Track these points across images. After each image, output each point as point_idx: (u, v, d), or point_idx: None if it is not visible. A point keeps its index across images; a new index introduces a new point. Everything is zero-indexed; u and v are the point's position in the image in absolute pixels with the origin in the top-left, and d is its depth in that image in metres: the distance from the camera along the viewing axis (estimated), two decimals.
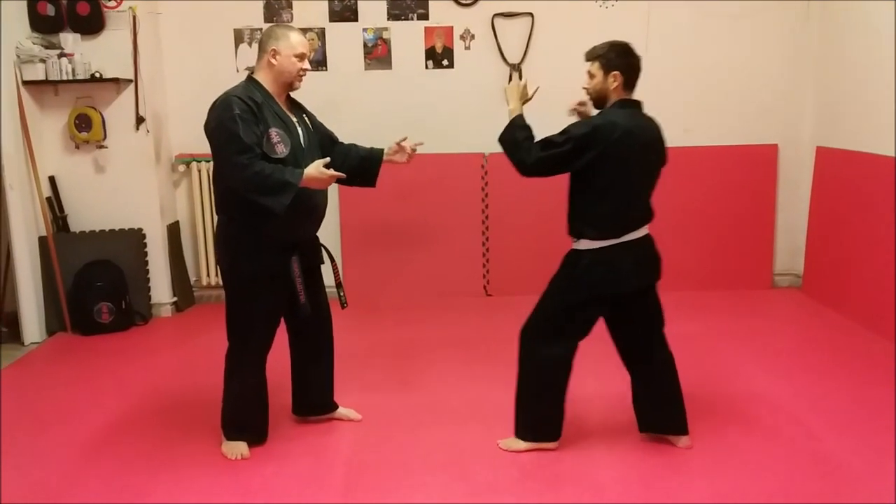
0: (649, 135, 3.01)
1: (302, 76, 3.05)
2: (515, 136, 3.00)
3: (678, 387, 3.16)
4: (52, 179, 4.97)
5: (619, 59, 2.97)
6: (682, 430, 3.16)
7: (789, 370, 3.96)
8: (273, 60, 2.99)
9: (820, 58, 5.27)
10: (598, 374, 3.73)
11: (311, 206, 3.03)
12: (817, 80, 5.31)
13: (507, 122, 3.04)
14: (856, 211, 4.81)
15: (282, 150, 2.93)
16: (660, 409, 3.17)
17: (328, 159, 2.95)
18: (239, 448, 3.17)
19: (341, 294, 3.36)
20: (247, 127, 2.84)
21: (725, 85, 5.38)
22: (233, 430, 3.21)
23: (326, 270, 3.32)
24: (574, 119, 3.15)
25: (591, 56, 3.01)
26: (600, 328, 3.11)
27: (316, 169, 2.89)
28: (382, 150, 3.35)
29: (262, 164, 2.83)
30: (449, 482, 2.94)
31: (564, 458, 3.10)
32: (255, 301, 3.06)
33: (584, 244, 2.98)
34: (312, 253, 3.23)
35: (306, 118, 3.19)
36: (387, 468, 3.06)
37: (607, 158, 2.87)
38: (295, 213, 2.90)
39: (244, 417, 3.21)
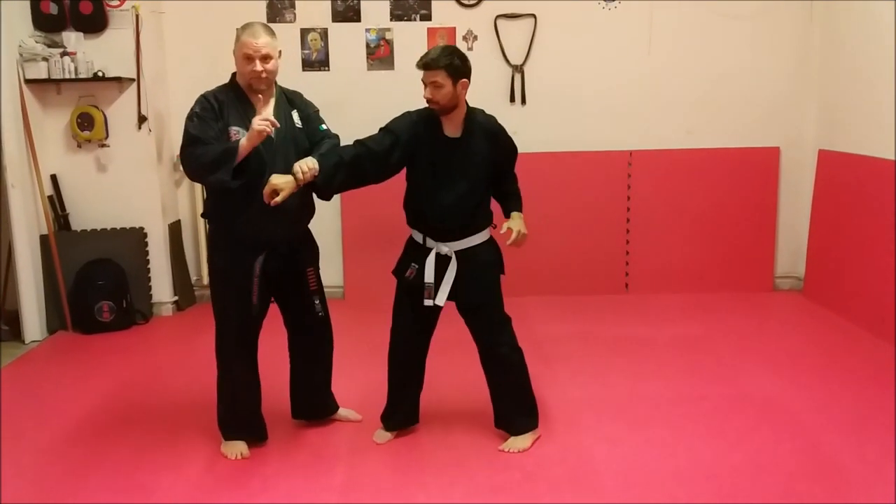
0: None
1: (259, 76, 2.94)
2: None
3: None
4: (53, 178, 4.97)
5: (464, 66, 2.98)
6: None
7: (790, 373, 3.96)
8: (235, 59, 3.01)
9: (822, 61, 5.27)
10: (597, 376, 3.74)
11: (278, 208, 2.91)
12: (820, 82, 5.31)
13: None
14: (857, 214, 4.80)
15: None
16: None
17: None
18: (238, 447, 3.17)
19: (317, 302, 3.31)
20: (202, 123, 2.93)
21: (728, 87, 5.38)
22: (228, 429, 3.22)
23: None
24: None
25: (435, 65, 2.93)
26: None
27: (254, 122, 2.83)
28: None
29: (202, 148, 2.89)
30: (449, 483, 2.94)
31: (567, 459, 3.10)
32: (226, 295, 3.13)
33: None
34: (290, 257, 3.19)
35: (296, 114, 3.13)
36: (386, 469, 3.06)
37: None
38: (260, 213, 2.93)
39: (237, 417, 3.21)
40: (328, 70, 5.31)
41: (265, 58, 2.94)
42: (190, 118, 2.95)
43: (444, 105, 2.97)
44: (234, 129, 2.96)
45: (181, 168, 5.27)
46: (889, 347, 4.25)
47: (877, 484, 2.86)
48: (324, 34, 5.28)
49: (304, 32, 5.27)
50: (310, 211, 3.22)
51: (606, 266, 5.48)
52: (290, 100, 3.17)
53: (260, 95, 2.95)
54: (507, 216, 3.12)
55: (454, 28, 5.28)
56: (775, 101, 5.40)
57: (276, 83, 3.10)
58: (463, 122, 3.05)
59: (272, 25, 5.12)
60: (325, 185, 2.96)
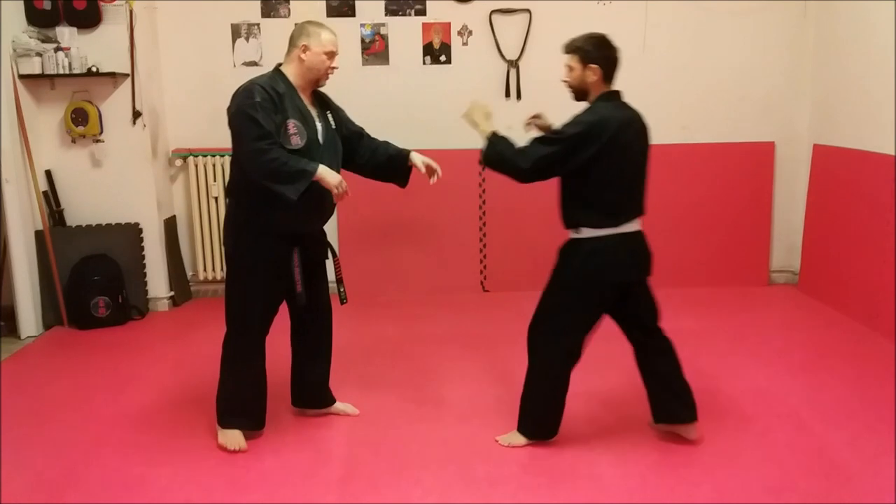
0: (637, 125, 3.04)
1: (330, 74, 3.10)
2: (499, 149, 3.01)
3: (681, 375, 3.16)
4: (48, 173, 4.96)
5: (597, 52, 2.97)
6: (692, 417, 3.16)
7: (786, 366, 3.98)
8: (303, 56, 3.03)
9: (817, 55, 5.28)
10: (597, 370, 3.74)
11: (320, 199, 3.05)
12: (814, 77, 5.32)
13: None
14: (852, 208, 4.82)
15: (297, 141, 2.96)
16: (669, 399, 3.16)
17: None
18: (236, 438, 3.18)
19: (341, 290, 3.38)
20: (266, 115, 2.88)
21: (723, 82, 5.39)
22: (228, 415, 3.21)
23: (330, 266, 3.33)
24: (533, 133, 3.16)
25: (570, 49, 3.02)
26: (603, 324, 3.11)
27: (333, 172, 2.95)
28: (409, 152, 3.35)
29: (280, 152, 2.87)
30: (446, 478, 2.94)
31: (563, 454, 3.11)
32: (253, 287, 3.10)
33: (585, 232, 2.98)
34: (316, 247, 3.25)
35: (330, 115, 3.21)
36: (384, 464, 3.06)
37: (604, 153, 2.88)
38: (303, 206, 2.92)
39: (240, 403, 3.22)
40: None
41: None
42: (252, 107, 2.86)
43: (573, 87, 3.04)
44: (291, 122, 2.96)
45: (177, 163, 5.32)
46: (884, 340, 4.27)
47: (874, 477, 2.87)
48: None
49: (333, 33, 5.24)
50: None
51: None
52: (324, 101, 3.23)
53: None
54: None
55: (449, 23, 5.28)
56: (770, 96, 5.42)
57: None
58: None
59: (265, 21, 5.23)
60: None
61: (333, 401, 3.50)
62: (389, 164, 3.35)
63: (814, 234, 5.30)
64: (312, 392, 3.46)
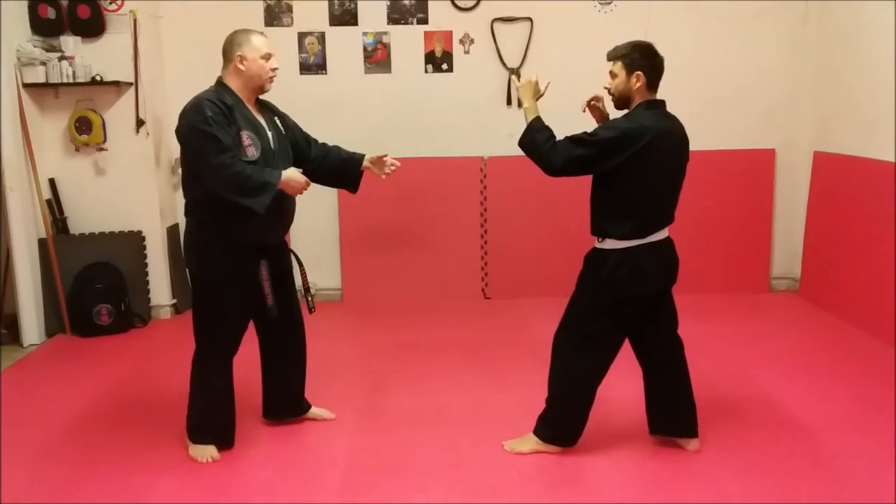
0: (677, 136, 3.04)
1: (273, 77, 3.08)
2: (536, 138, 3.00)
3: (690, 388, 3.17)
4: (52, 182, 4.98)
5: (642, 60, 2.96)
6: (693, 432, 3.16)
7: (787, 373, 3.98)
8: (241, 66, 3.02)
9: (818, 63, 5.29)
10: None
11: (282, 209, 3.06)
12: (815, 84, 5.33)
13: (521, 122, 3.02)
14: (853, 215, 4.83)
15: (252, 153, 2.96)
16: (673, 411, 3.17)
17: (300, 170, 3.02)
18: (208, 451, 3.16)
19: (309, 299, 3.35)
20: (220, 128, 2.87)
21: (724, 89, 5.40)
22: (199, 433, 3.19)
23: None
24: (588, 116, 3.15)
25: (614, 56, 3.01)
26: None
27: (295, 171, 2.97)
28: (363, 156, 3.37)
29: (243, 165, 2.88)
30: (447, 485, 2.95)
31: (564, 461, 3.11)
32: (223, 303, 3.07)
33: (610, 244, 2.97)
34: (281, 257, 3.25)
35: (277, 120, 3.20)
36: (385, 470, 3.07)
37: (636, 161, 2.87)
38: (266, 217, 2.93)
39: (211, 421, 3.19)
40: (325, 73, 5.33)
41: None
42: (205, 122, 2.85)
43: (615, 95, 3.01)
44: (245, 134, 2.96)
45: (179, 171, 5.33)
46: (885, 347, 4.27)
47: (876, 483, 2.88)
48: (321, 38, 5.30)
49: (302, 36, 5.29)
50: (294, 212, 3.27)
51: None
52: (269, 108, 3.23)
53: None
54: None
55: (451, 31, 5.30)
56: (771, 103, 5.43)
57: None
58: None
59: (270, 30, 5.25)
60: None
61: (308, 407, 3.48)
62: (342, 168, 3.35)
63: (814, 241, 5.31)
64: (291, 400, 3.44)
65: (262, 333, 3.33)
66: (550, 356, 3.14)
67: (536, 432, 3.18)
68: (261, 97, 3.17)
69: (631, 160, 2.86)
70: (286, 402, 3.44)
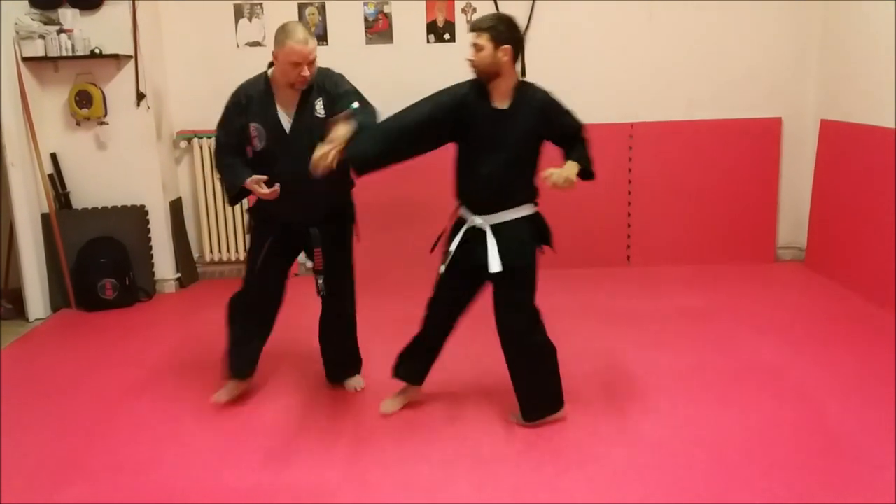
0: None
1: (300, 81, 3.06)
2: (587, 156, 3.04)
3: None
4: (53, 156, 4.97)
5: (508, 33, 2.90)
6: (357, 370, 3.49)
7: (793, 342, 3.97)
8: (275, 61, 3.10)
9: (824, 30, 5.22)
10: (598, 351, 3.75)
11: (299, 194, 3.14)
12: (822, 52, 5.26)
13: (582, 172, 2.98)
14: (859, 184, 4.79)
15: (256, 144, 3.16)
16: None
17: (265, 177, 3.10)
18: (225, 390, 3.43)
19: (319, 282, 3.34)
20: (227, 123, 3.20)
21: (729, 58, 5.34)
22: (225, 369, 3.47)
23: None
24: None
25: (479, 27, 2.91)
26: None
27: (254, 181, 3.10)
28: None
29: (226, 157, 3.21)
30: (452, 454, 2.96)
31: (569, 429, 3.13)
32: (252, 247, 3.38)
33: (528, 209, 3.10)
34: (304, 235, 3.30)
35: (319, 102, 3.14)
36: (390, 440, 3.08)
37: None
38: (281, 201, 3.13)
39: (232, 349, 3.44)
40: (326, 45, 5.27)
41: (312, 63, 3.05)
42: (226, 108, 3.21)
43: (482, 69, 2.93)
44: (253, 126, 3.14)
45: (181, 145, 5.33)
46: (891, 316, 4.25)
47: (880, 451, 2.87)
48: (321, 9, 5.25)
49: (302, 7, 5.23)
50: (330, 196, 3.28)
51: (608, 238, 5.48)
52: (318, 87, 3.16)
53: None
54: None
55: (453, 1, 5.24)
56: (776, 71, 5.37)
57: None
58: (512, 93, 2.97)
59: (267, 2, 5.18)
60: (352, 158, 2.91)
61: (356, 373, 3.63)
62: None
63: (820, 210, 5.28)
64: (337, 365, 3.62)
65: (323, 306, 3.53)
66: (515, 342, 3.15)
67: (540, 413, 3.17)
68: (324, 75, 3.17)
69: None
70: (334, 366, 3.62)
